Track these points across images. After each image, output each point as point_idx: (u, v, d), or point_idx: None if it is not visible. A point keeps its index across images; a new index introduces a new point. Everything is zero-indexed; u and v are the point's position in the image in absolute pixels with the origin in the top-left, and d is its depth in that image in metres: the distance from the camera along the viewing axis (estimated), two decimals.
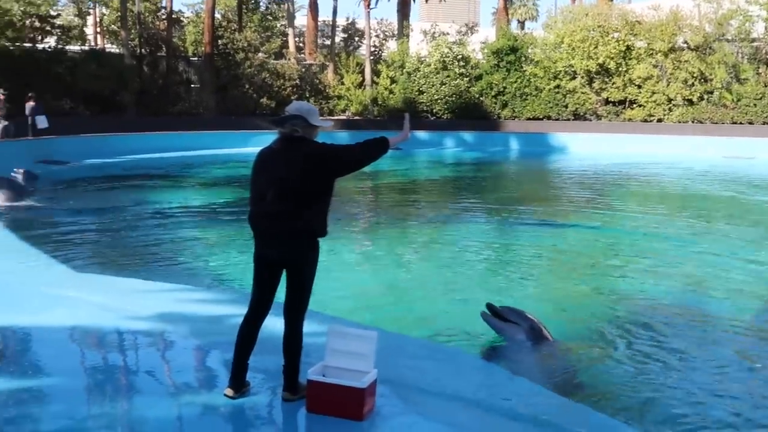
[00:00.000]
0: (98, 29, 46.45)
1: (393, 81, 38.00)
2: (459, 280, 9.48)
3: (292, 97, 35.52)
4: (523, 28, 49.38)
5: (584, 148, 32.92)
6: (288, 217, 4.30)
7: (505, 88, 37.83)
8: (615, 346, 6.93)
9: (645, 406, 5.66)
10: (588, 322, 7.67)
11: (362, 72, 38.21)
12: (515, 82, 37.63)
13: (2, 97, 21.62)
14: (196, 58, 37.16)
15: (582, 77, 37.09)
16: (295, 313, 4.48)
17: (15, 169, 17.75)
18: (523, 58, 38.04)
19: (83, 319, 6.38)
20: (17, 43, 30.38)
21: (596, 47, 36.18)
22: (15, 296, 7.15)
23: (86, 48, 36.33)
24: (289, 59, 38.58)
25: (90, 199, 15.60)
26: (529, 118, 37.85)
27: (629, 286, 9.55)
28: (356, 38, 46.76)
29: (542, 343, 6.54)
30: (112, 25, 43.46)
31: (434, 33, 39.71)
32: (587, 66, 36.41)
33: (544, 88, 37.56)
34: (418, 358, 5.72)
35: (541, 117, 37.85)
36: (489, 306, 6.79)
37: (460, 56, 37.57)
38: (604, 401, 5.68)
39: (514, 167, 30.03)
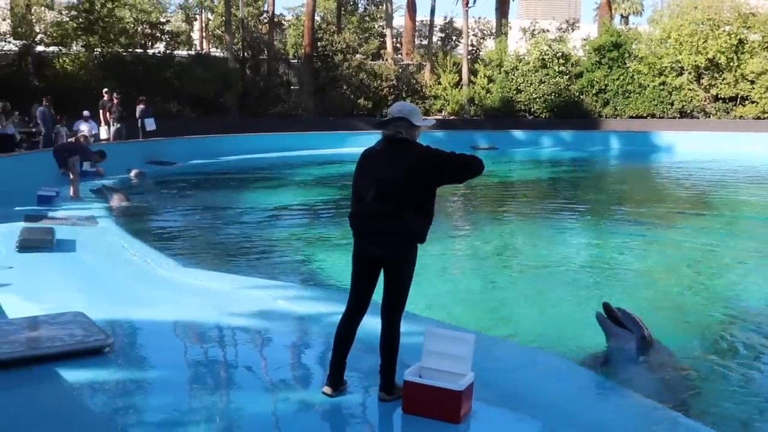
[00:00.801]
0: (204, 34, 48.16)
1: (490, 80, 37.60)
2: (555, 283, 9.24)
3: (389, 98, 35.73)
4: (627, 23, 47.82)
5: (691, 148, 31.55)
6: (388, 216, 4.28)
7: (606, 85, 36.77)
8: (724, 359, 6.57)
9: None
10: (694, 332, 7.31)
11: (459, 71, 37.97)
12: (618, 79, 36.50)
13: (116, 100, 22.66)
14: (296, 60, 37.94)
15: (689, 73, 35.59)
16: (392, 313, 4.47)
17: (128, 169, 18.64)
18: (627, 54, 36.85)
19: (186, 313, 6.59)
20: (129, 49, 31.84)
21: (706, 41, 34.63)
22: (122, 290, 7.46)
23: (192, 53, 37.71)
24: (387, 60, 38.79)
25: (194, 198, 16.16)
26: (631, 117, 36.65)
27: (735, 292, 9.06)
28: (454, 37, 46.57)
29: (650, 354, 6.21)
30: (217, 30, 44.94)
31: (533, 30, 39.04)
32: (695, 61, 34.91)
33: (649, 85, 36.26)
34: (516, 363, 5.60)
35: (644, 115, 36.57)
36: (606, 306, 6.48)
37: (560, 53, 36.77)
38: (709, 417, 5.38)
39: (615, 167, 29.12)
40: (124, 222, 12.29)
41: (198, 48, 43.83)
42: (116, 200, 14.38)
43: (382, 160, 4.38)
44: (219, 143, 26.48)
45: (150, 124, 23.40)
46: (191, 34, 46.72)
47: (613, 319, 6.37)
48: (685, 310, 8.15)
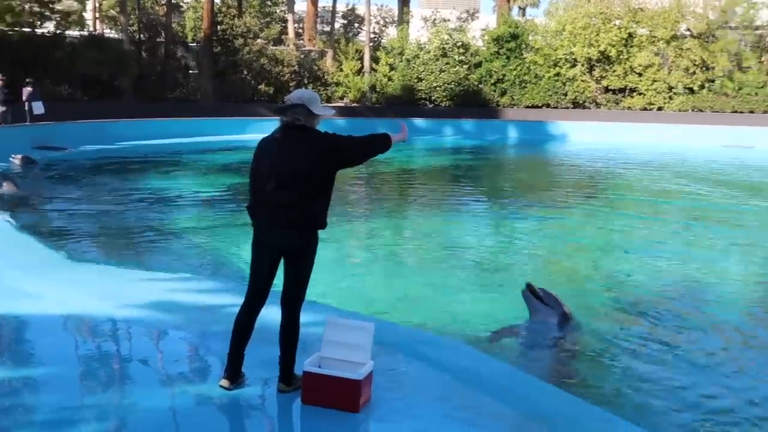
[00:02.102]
0: (97, 14, 46.14)
1: (392, 68, 37.81)
2: (457, 269, 9.45)
3: (291, 84, 35.36)
4: (524, 14, 48.93)
5: (583, 137, 32.83)
6: (289, 207, 4.25)
7: (504, 75, 37.66)
8: (627, 337, 6.95)
9: (636, 398, 5.67)
10: (599, 310, 7.69)
11: (361, 59, 38.00)
12: (515, 69, 37.46)
13: (1, 82, 21.49)
14: (194, 44, 36.97)
15: (582, 65, 36.91)
16: (293, 303, 4.46)
17: (12, 155, 17.69)
18: (524, 46, 37.85)
19: (77, 308, 6.35)
20: (16, 28, 30.16)
21: (598, 34, 35.99)
22: (6, 283, 7.11)
23: (85, 33, 36.09)
24: (288, 45, 38.34)
25: (87, 186, 15.54)
26: (528, 106, 37.71)
27: (631, 271, 9.57)
28: (356, 24, 46.49)
29: (568, 328, 6.62)
30: (111, 11, 43.19)
31: (434, 19, 39.47)
32: (588, 53, 36.23)
33: (544, 76, 37.39)
34: (415, 348, 5.69)
35: (540, 105, 37.71)
36: (529, 286, 6.88)
37: (460, 43, 37.37)
38: (614, 396, 5.68)
39: (513, 156, 29.96)
40: (9, 211, 11.68)
41: (91, 29, 41.95)
42: (4, 187, 13.68)
43: (281, 149, 4.32)
44: (113, 128, 25.59)
45: (38, 108, 22.30)
46: (84, 14, 44.66)
47: (536, 296, 6.71)
48: (589, 289, 8.54)
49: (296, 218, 4.27)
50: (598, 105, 37.50)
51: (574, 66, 37.10)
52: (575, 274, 9.50)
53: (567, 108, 37.39)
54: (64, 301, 6.58)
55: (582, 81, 37.12)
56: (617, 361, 6.38)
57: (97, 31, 40.65)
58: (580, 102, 37.56)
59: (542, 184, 19.46)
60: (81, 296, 6.78)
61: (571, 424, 4.86)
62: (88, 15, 45.97)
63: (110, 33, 40.48)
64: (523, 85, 37.64)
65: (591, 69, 37.11)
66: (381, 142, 4.51)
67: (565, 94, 37.45)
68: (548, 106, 37.66)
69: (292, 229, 4.30)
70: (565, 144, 32.44)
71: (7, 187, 13.68)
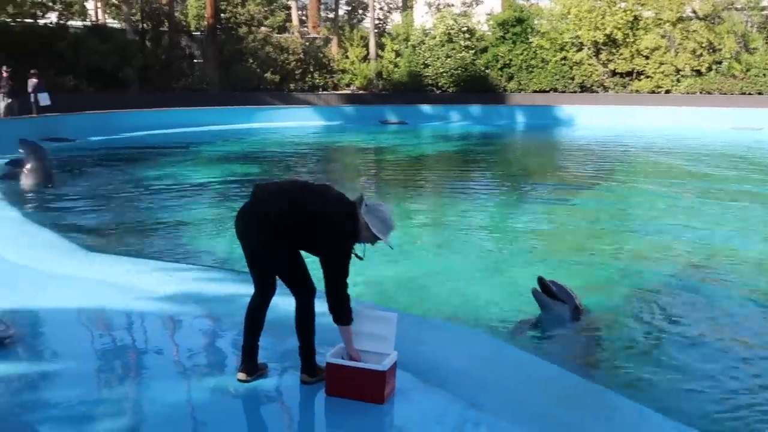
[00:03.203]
0: (99, 4, 45.94)
1: (398, 54, 37.63)
2: (472, 257, 9.36)
3: (297, 72, 35.16)
4: None
5: (591, 121, 32.68)
6: (275, 219, 4.18)
7: (511, 60, 37.44)
8: (641, 322, 6.86)
9: (657, 385, 5.59)
10: (612, 296, 7.61)
11: (366, 45, 37.81)
12: (521, 54, 37.23)
13: (6, 74, 21.41)
14: (198, 33, 36.80)
15: (589, 48, 36.66)
16: (297, 292, 4.39)
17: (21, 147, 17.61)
18: (529, 30, 37.61)
19: (91, 300, 6.30)
20: (18, 19, 30.04)
21: (603, 17, 35.70)
22: (21, 277, 7.07)
23: (88, 23, 35.94)
24: (293, 33, 38.16)
25: (95, 177, 15.47)
26: (535, 91, 37.53)
27: (647, 253, 9.50)
28: (360, 11, 46.20)
29: (580, 321, 6.52)
30: (114, 0, 42.96)
31: (438, 5, 39.24)
32: (594, 37, 35.97)
33: (551, 60, 37.17)
34: (439, 339, 5.63)
35: (547, 89, 37.51)
36: (540, 280, 6.70)
37: (465, 28, 37.14)
38: (629, 383, 5.61)
39: (521, 140, 29.81)
40: (21, 204, 11.64)
41: (93, 19, 41.79)
42: (32, 177, 13.75)
43: (319, 194, 4.25)
44: (119, 119, 25.53)
45: (44, 99, 22.27)
46: (85, 4, 44.45)
47: (547, 291, 6.59)
48: (603, 273, 8.45)
49: (263, 223, 4.20)
50: (605, 89, 37.27)
51: (580, 50, 36.85)
52: (589, 257, 9.41)
53: (574, 92, 37.18)
54: (80, 293, 6.53)
55: (589, 65, 36.88)
56: (636, 349, 6.30)
57: (100, 21, 40.50)
58: (588, 86, 37.33)
59: (551, 169, 19.36)
60: (96, 288, 6.72)
61: (597, 412, 4.80)
62: (90, 5, 45.82)
63: (113, 23, 40.26)
64: (530, 69, 37.43)
65: (597, 52, 36.85)
66: (340, 310, 4.22)
67: (572, 78, 37.22)
68: (555, 90, 37.46)
69: (255, 228, 4.25)
70: (574, 128, 32.27)
71: (38, 181, 13.74)
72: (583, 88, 37.42)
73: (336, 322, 4.25)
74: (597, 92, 37.26)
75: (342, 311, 4.21)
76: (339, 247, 4.16)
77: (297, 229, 4.16)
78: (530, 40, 37.38)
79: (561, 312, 6.52)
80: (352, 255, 4.23)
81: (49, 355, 5.19)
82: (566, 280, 7.00)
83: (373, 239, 4.20)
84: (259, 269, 4.37)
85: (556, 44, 37.00)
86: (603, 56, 36.84)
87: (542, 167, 20.07)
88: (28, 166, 14.10)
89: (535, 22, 37.97)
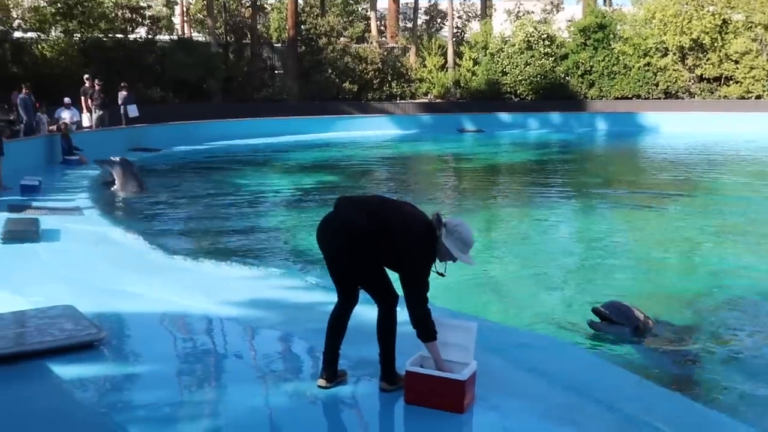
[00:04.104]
0: (185, 18, 47.50)
1: (476, 62, 37.43)
2: (553, 266, 9.19)
3: (375, 81, 35.41)
4: (610, 4, 47.63)
5: (676, 128, 31.70)
6: (356, 229, 4.16)
7: (592, 66, 36.73)
8: (715, 336, 6.58)
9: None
10: (689, 308, 7.32)
11: (444, 54, 37.76)
12: (603, 60, 36.47)
13: (98, 87, 22.30)
14: (279, 44, 37.56)
15: (674, 54, 35.60)
16: (380, 301, 4.37)
17: (111, 157, 18.33)
18: (612, 36, 36.81)
19: (176, 304, 6.46)
20: (110, 35, 31.34)
21: (690, 22, 34.62)
22: (110, 281, 7.30)
23: (174, 37, 37.21)
24: (371, 43, 38.47)
25: (181, 185, 15.94)
26: (617, 98, 36.68)
27: (728, 268, 9.10)
28: (438, 20, 46.22)
29: (646, 337, 6.28)
30: (199, 14, 44.36)
31: (518, 12, 38.90)
32: (680, 42, 34.90)
33: (634, 66, 36.27)
34: (518, 349, 5.52)
35: (630, 96, 36.60)
36: (594, 311, 6.50)
37: (545, 35, 36.67)
38: (706, 394, 5.38)
39: (603, 148, 29.16)
40: (110, 211, 12.10)
41: (179, 33, 43.25)
42: (125, 186, 14.29)
43: (400, 211, 4.25)
44: (203, 129, 26.26)
45: (133, 111, 23.09)
46: (172, 18, 46.06)
47: (604, 318, 6.38)
48: (684, 289, 8.15)
49: (344, 232, 4.19)
50: (691, 95, 36.10)
51: (665, 55, 35.82)
52: (667, 269, 9.09)
53: (658, 99, 36.17)
54: (163, 297, 6.70)
55: (674, 70, 35.82)
56: (711, 364, 6.02)
57: (186, 35, 41.86)
58: (673, 92, 36.25)
59: (634, 177, 18.84)
60: (179, 293, 6.89)
61: (682, 426, 4.60)
62: (177, 19, 47.44)
63: (198, 36, 41.55)
64: (612, 76, 36.61)
65: (683, 58, 35.74)
66: (424, 328, 4.16)
67: (657, 85, 36.22)
68: (638, 97, 36.52)
69: (337, 238, 4.24)
70: (658, 136, 31.36)
71: (132, 190, 14.28)
72: (668, 95, 36.35)
73: (421, 339, 4.22)
74: (682, 98, 36.12)
75: (426, 328, 4.17)
76: (419, 265, 4.14)
77: (377, 242, 4.15)
78: (612, 46, 36.58)
79: (622, 333, 6.30)
80: (434, 272, 4.21)
81: (134, 357, 5.33)
82: (644, 290, 6.76)
83: (454, 258, 4.19)
84: (341, 278, 4.38)
85: (640, 50, 36.08)
86: (689, 61, 35.70)
87: (624, 175, 19.57)
88: (120, 176, 14.66)
89: (618, 27, 37.15)
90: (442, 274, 4.24)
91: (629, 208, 13.65)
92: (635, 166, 22.03)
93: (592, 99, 36.88)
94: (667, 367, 5.94)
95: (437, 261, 4.23)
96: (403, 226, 4.15)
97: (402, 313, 4.37)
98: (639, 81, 36.40)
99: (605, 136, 32.55)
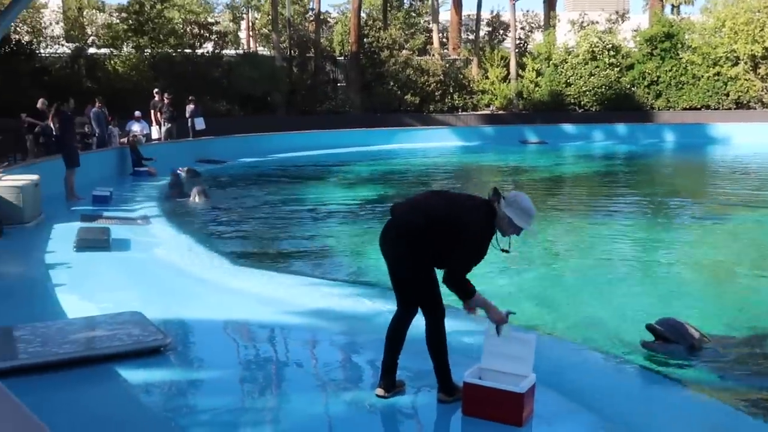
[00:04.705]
0: (251, 33, 48.52)
1: (539, 74, 37.08)
2: (617, 280, 9.00)
3: (437, 93, 35.43)
4: (678, 12, 46.60)
5: (748, 139, 30.68)
6: (412, 229, 4.23)
7: (659, 77, 35.93)
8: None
9: None
10: (751, 327, 7.05)
11: (507, 65, 37.52)
12: (670, 70, 35.65)
13: (167, 100, 22.95)
14: (342, 58, 37.99)
15: (745, 63, 34.54)
16: (427, 312, 4.39)
17: (179, 168, 18.83)
18: (680, 45, 35.96)
19: (238, 312, 6.60)
20: (179, 50, 32.25)
21: (762, 30, 33.56)
22: (176, 289, 7.50)
23: (240, 52, 38.03)
24: (433, 55, 38.54)
25: (244, 197, 16.21)
26: (685, 108, 35.77)
27: None
28: (501, 31, 45.97)
29: (702, 356, 6.08)
30: (264, 29, 45.24)
31: (582, 22, 38.39)
32: (752, 50, 33.85)
33: (703, 76, 35.33)
34: (577, 363, 5.44)
35: (698, 106, 35.65)
36: (649, 328, 6.26)
37: (611, 45, 36.06)
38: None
39: (670, 160, 28.45)
40: (176, 220, 12.41)
41: (245, 47, 44.19)
42: (197, 200, 14.68)
43: (450, 198, 4.36)
44: (267, 141, 26.68)
45: (199, 123, 23.65)
46: (238, 33, 47.12)
47: (658, 336, 6.19)
48: (749, 306, 7.87)
49: (401, 233, 4.25)
50: (764, 105, 34.96)
51: (736, 64, 34.80)
52: (732, 285, 8.79)
53: (729, 109, 35.14)
54: (227, 305, 6.85)
55: (746, 80, 34.75)
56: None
57: (251, 49, 42.73)
58: (744, 102, 35.18)
59: (703, 190, 18.31)
60: (242, 301, 7.04)
61: None
62: (243, 34, 48.52)
63: (263, 50, 42.35)
64: (680, 86, 35.75)
65: (756, 67, 34.65)
66: (462, 289, 4.20)
67: (727, 95, 35.21)
68: (708, 107, 35.55)
69: (394, 241, 4.29)
70: (728, 147, 30.41)
71: (199, 200, 14.66)
72: (739, 105, 35.28)
73: (462, 298, 4.23)
74: (755, 109, 34.99)
75: (464, 289, 4.17)
76: (479, 242, 4.17)
77: (434, 237, 4.19)
78: (680, 56, 35.74)
79: (677, 352, 6.09)
80: (496, 248, 4.27)
81: (199, 363, 5.46)
82: (705, 306, 6.53)
83: (517, 230, 4.24)
84: (400, 285, 4.41)
85: (709, 59, 35.14)
86: (762, 70, 34.58)
87: (693, 188, 19.05)
88: (189, 188, 15.07)
89: (686, 36, 36.27)
90: (506, 251, 4.27)
91: (697, 220, 13.27)
92: (704, 178, 21.44)
93: (659, 110, 36.07)
94: (727, 386, 5.74)
95: (499, 237, 4.26)
96: (458, 212, 4.20)
97: (450, 325, 4.37)
98: (708, 91, 35.44)
99: (673, 148, 31.76)
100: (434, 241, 4.19)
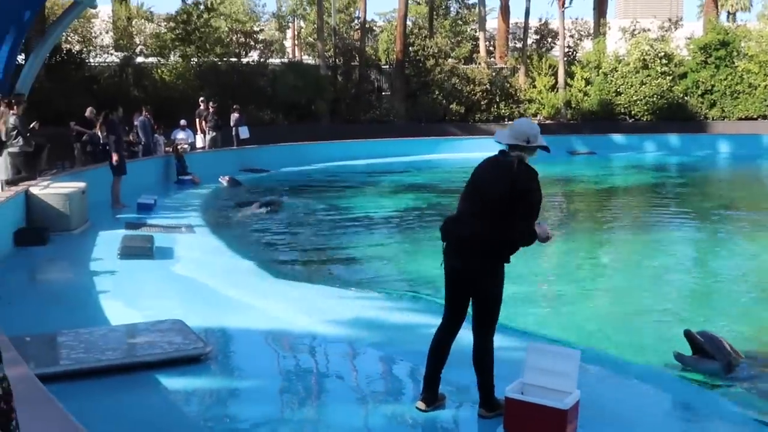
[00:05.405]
0: (296, 42, 48.96)
1: (588, 82, 36.54)
2: (658, 294, 8.75)
3: (483, 102, 35.21)
4: (734, 20, 45.58)
5: None
6: (479, 235, 4.18)
7: (713, 86, 35.08)
8: None
9: None
10: None
11: (555, 74, 37.08)
12: (725, 79, 34.78)
13: (212, 109, 23.18)
14: (387, 66, 38.02)
15: None
16: (481, 328, 4.33)
17: (221, 177, 19.00)
18: (735, 53, 35.07)
19: (279, 322, 6.59)
20: (224, 59, 32.62)
21: None
22: (218, 298, 7.52)
23: (285, 60, 38.33)
24: (480, 63, 38.30)
25: (286, 206, 16.22)
26: (740, 118, 34.84)
27: None
28: (549, 39, 45.51)
29: (738, 373, 5.80)
30: (309, 38, 45.61)
31: (633, 30, 37.76)
32: None
33: (759, 85, 34.38)
34: (621, 380, 5.27)
35: (755, 117, 34.70)
36: (686, 334, 6.04)
37: (663, 53, 35.34)
38: None
39: (725, 172, 27.74)
40: (220, 230, 12.48)
41: (290, 56, 44.58)
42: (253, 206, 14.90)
43: (490, 178, 4.41)
44: (311, 150, 26.71)
45: (244, 132, 23.79)
46: (284, 42, 47.57)
47: (696, 346, 5.93)
48: None
49: (472, 245, 4.21)
50: None
51: None
52: None
53: None
54: (268, 314, 6.84)
55: None
56: None
57: (296, 58, 43.09)
58: None
59: (759, 203, 17.75)
60: (283, 311, 7.02)
61: None
62: (288, 43, 49.01)
63: (308, 59, 42.65)
64: (735, 95, 34.84)
65: None
66: (530, 235, 4.24)
67: None
68: (765, 117, 34.58)
69: (476, 256, 4.22)
70: None
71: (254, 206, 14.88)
72: None
73: (529, 245, 4.31)
74: None
75: (532, 235, 4.24)
76: (534, 198, 4.26)
77: (504, 215, 4.20)
78: (736, 64, 34.85)
79: (712, 368, 5.80)
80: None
81: (238, 372, 5.45)
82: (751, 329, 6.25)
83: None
84: (460, 298, 4.33)
85: (767, 68, 34.19)
86: None
87: (747, 200, 18.50)
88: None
89: (742, 44, 35.36)
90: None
91: (752, 235, 12.83)
92: (760, 191, 20.82)
93: (713, 120, 35.20)
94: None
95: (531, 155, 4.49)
96: (503, 190, 4.24)
97: (504, 340, 4.28)
98: (765, 101, 34.49)
99: (727, 159, 30.97)
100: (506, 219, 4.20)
